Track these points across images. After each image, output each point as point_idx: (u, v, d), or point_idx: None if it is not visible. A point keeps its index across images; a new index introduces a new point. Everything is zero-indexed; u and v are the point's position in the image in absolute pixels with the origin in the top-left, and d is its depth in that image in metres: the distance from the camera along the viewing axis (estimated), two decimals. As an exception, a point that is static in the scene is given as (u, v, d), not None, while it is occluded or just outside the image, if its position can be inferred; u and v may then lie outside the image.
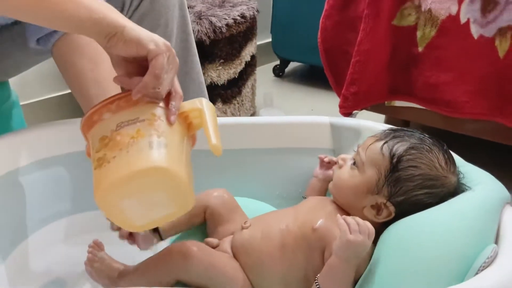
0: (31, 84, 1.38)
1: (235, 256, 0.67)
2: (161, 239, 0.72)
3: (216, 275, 0.62)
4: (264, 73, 2.07)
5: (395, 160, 0.62)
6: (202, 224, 0.77)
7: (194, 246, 0.63)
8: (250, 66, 1.46)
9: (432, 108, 1.11)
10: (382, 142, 0.64)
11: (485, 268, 0.49)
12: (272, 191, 0.88)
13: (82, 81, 0.81)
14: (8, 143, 0.78)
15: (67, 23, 0.56)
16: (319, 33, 1.25)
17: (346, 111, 1.19)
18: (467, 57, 1.03)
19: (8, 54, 0.85)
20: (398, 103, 1.21)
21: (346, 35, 1.20)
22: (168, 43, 0.58)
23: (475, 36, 1.01)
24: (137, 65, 0.58)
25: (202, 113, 0.59)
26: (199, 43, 1.15)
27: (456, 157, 0.71)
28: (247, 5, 1.36)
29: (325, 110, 1.26)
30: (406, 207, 0.61)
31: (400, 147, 0.63)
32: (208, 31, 1.15)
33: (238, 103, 1.37)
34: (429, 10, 1.05)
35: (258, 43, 2.06)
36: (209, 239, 0.71)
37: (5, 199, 0.75)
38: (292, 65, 2.09)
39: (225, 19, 1.22)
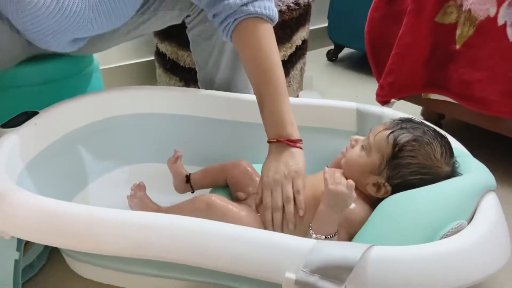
0: (111, 52, 1.57)
1: (256, 208, 0.81)
2: (192, 191, 0.88)
3: (231, 220, 0.74)
4: (317, 56, 2.16)
5: (396, 148, 0.73)
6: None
7: (215, 196, 0.77)
8: (301, 50, 1.56)
9: (464, 103, 1.17)
10: (390, 131, 0.75)
11: (445, 238, 0.59)
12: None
13: None
14: (87, 101, 0.96)
15: None
16: (366, 24, 1.33)
17: (382, 100, 1.28)
18: (501, 58, 1.08)
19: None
20: (433, 96, 1.27)
21: (391, 27, 1.27)
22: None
23: (511, 39, 1.05)
24: None
25: None
26: (253, 27, 1.27)
27: (459, 147, 0.80)
28: (302, -8, 1.46)
29: (370, 97, 1.34)
30: (401, 188, 0.72)
31: (403, 138, 0.73)
32: (262, 16, 1.27)
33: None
34: (469, 10, 1.10)
35: (314, 27, 2.15)
36: (239, 193, 0.85)
37: (78, 147, 0.94)
38: (346, 51, 2.17)
39: (279, 5, 1.33)
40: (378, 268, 0.54)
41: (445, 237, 0.60)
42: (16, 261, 0.66)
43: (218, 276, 0.60)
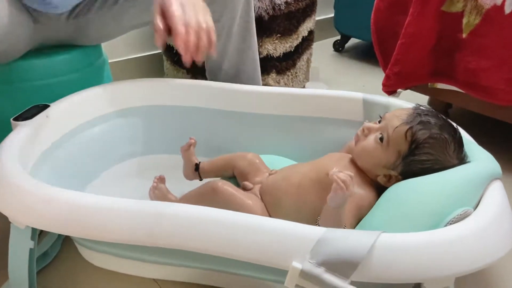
0: (119, 45, 1.59)
1: (262, 196, 0.83)
2: (200, 179, 0.91)
3: (236, 206, 0.76)
4: (323, 47, 2.16)
5: (413, 146, 0.73)
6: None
7: (220, 182, 0.79)
8: (307, 41, 1.57)
9: (470, 92, 1.17)
10: (408, 126, 0.73)
11: (451, 224, 0.60)
12: (308, 153, 1.01)
13: None
14: (97, 93, 0.98)
15: None
16: (372, 14, 1.33)
17: (388, 90, 1.28)
18: (508, 47, 1.07)
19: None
20: (440, 85, 1.27)
21: (397, 17, 1.27)
22: None
23: (517, 27, 1.05)
24: None
25: None
26: (259, 19, 1.28)
27: (465, 135, 0.81)
28: (308, -17, 1.46)
29: (377, 87, 1.34)
30: (409, 177, 0.72)
31: (421, 136, 0.72)
32: (268, 8, 1.28)
33: (292, 75, 1.49)
34: (476, -1, 1.10)
35: (320, 18, 2.15)
36: (246, 183, 0.87)
37: (89, 138, 0.95)
38: (353, 41, 2.16)
39: (285, -4, 1.34)
40: (383, 255, 0.55)
41: (450, 224, 0.61)
42: (31, 250, 0.68)
43: (226, 263, 0.62)
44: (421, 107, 0.78)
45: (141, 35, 1.60)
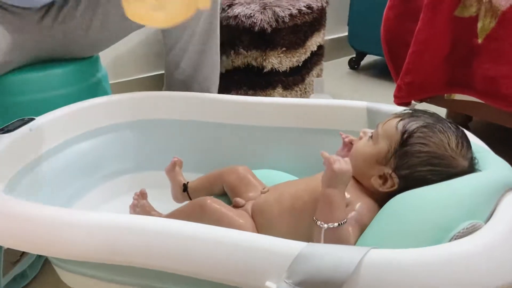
0: (121, 66, 1.58)
1: (253, 216, 0.76)
2: (190, 199, 0.84)
3: (225, 225, 0.69)
4: (338, 65, 2.10)
5: (405, 135, 0.66)
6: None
7: (209, 199, 0.72)
8: (317, 56, 1.51)
9: (490, 102, 1.08)
10: (399, 118, 0.68)
11: (456, 239, 0.52)
12: (308, 166, 0.94)
13: None
14: (86, 107, 0.94)
15: None
16: (382, 23, 1.27)
17: (400, 101, 1.20)
18: (528, 50, 0.99)
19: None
20: (457, 96, 1.18)
21: (408, 26, 1.20)
22: None
23: (538, 28, 0.97)
24: None
25: None
26: (261, 31, 1.24)
27: (477, 143, 0.72)
28: (315, -4, 1.42)
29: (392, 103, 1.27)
30: (410, 182, 0.64)
31: (413, 125, 0.66)
32: (271, 20, 1.24)
33: (300, 90, 1.43)
34: (490, 1, 1.02)
35: (334, 36, 2.10)
36: (238, 199, 0.80)
37: (76, 154, 0.91)
38: (370, 58, 2.10)
39: (289, 9, 1.29)
40: (372, 274, 0.47)
41: (455, 239, 0.52)
42: (-6, 268, 0.63)
43: (194, 283, 0.54)
44: (421, 110, 0.71)
45: (144, 55, 1.58)
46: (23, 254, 0.83)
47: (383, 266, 0.48)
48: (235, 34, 1.24)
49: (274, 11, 1.25)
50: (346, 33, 2.00)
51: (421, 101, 1.26)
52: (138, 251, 0.53)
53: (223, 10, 1.25)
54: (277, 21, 1.25)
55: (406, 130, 0.66)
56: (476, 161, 0.67)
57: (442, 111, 1.35)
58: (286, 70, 1.36)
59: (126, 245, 0.53)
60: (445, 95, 1.20)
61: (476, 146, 0.70)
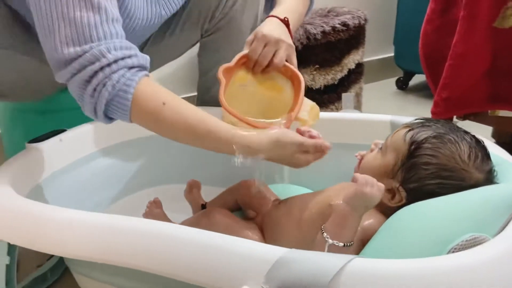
0: (167, 85, 1.63)
1: (263, 228, 0.74)
2: None
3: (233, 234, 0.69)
4: (386, 86, 2.04)
5: (413, 146, 0.62)
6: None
7: (216, 210, 0.72)
8: (355, 74, 1.48)
9: (536, 118, 1.00)
10: (408, 129, 0.65)
11: (455, 252, 0.47)
12: (328, 182, 0.91)
13: None
14: (115, 122, 0.98)
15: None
16: (420, 38, 1.22)
17: (438, 118, 1.13)
18: None
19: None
20: (502, 113, 1.10)
21: (446, 39, 1.15)
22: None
23: None
24: None
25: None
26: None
27: (500, 154, 0.67)
28: (352, 14, 1.40)
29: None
30: (419, 196, 0.60)
31: (422, 135, 0.63)
32: (302, 37, 1.24)
33: (336, 109, 1.41)
34: (531, 9, 0.96)
35: (380, 56, 2.06)
36: (249, 211, 0.79)
37: (103, 166, 0.95)
38: (419, 78, 2.02)
39: (322, 27, 1.29)
40: (353, 283, 0.44)
41: (454, 252, 0.48)
42: (7, 266, 0.67)
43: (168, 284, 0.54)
44: (435, 119, 0.66)
45: (176, 77, 1.63)
46: (50, 258, 0.87)
47: (365, 276, 0.45)
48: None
49: (306, 29, 1.25)
50: (393, 53, 1.95)
51: (464, 118, 1.18)
52: (117, 250, 0.54)
53: (256, 29, 1.27)
54: (308, 38, 1.25)
55: (414, 141, 0.62)
56: (496, 173, 0.62)
57: (487, 130, 1.26)
58: (320, 87, 1.34)
59: (106, 244, 0.54)
60: (489, 111, 1.13)
61: (497, 158, 0.64)
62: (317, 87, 1.33)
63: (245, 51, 0.82)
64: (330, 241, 0.57)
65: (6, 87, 0.86)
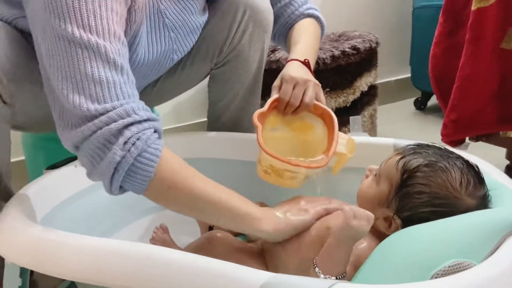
0: (167, 113, 1.67)
1: (264, 251, 0.76)
2: None
3: (231, 257, 0.70)
4: (404, 106, 2.03)
5: (405, 175, 0.63)
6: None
7: (219, 233, 0.74)
8: (368, 96, 1.49)
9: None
10: (400, 156, 0.66)
11: (437, 277, 0.48)
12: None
13: None
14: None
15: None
16: (429, 60, 1.23)
17: (448, 140, 1.13)
18: None
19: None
20: (514, 133, 1.09)
21: (454, 61, 1.15)
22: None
23: None
24: None
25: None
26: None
27: (497, 178, 0.67)
28: (363, 38, 1.42)
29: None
30: (413, 223, 0.60)
31: (414, 163, 0.63)
32: (311, 62, 1.26)
33: (349, 131, 1.41)
34: (536, 30, 0.96)
35: (398, 77, 2.06)
36: (249, 235, 0.81)
37: (102, 199, 0.97)
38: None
39: (331, 51, 1.31)
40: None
41: (436, 277, 0.48)
42: (19, 287, 0.70)
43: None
44: (427, 143, 0.67)
45: (188, 103, 1.67)
46: (64, 280, 0.90)
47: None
48: (276, 77, 1.28)
49: (315, 54, 1.27)
50: (409, 74, 1.95)
51: (476, 139, 1.18)
52: (123, 274, 0.57)
53: (266, 55, 1.31)
54: (317, 63, 1.27)
55: (406, 169, 0.63)
56: (490, 198, 0.62)
57: (501, 151, 1.24)
58: (332, 110, 1.35)
59: (113, 268, 0.57)
60: (501, 132, 1.12)
61: (493, 181, 0.64)
62: (328, 110, 1.34)
63: (275, 95, 0.85)
64: (322, 276, 0.59)
65: (26, 120, 0.91)
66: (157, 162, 0.65)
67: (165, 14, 0.87)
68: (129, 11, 0.75)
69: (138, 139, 0.64)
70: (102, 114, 0.63)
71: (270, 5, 0.99)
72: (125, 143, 0.63)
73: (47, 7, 0.64)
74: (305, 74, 0.86)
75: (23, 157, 1.26)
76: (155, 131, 0.68)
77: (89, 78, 0.64)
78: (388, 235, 0.63)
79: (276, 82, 0.87)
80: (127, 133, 0.63)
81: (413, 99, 2.01)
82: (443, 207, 0.60)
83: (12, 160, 1.34)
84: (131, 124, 0.64)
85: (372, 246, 0.64)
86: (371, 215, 0.59)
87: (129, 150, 0.63)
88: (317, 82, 0.87)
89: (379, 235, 0.65)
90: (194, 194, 0.67)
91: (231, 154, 1.02)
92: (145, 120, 0.66)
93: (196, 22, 0.93)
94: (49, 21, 0.64)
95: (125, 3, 0.72)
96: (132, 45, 0.81)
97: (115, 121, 0.63)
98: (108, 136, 0.63)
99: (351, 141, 0.84)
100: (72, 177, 0.91)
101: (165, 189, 0.66)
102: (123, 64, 0.67)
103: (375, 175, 0.69)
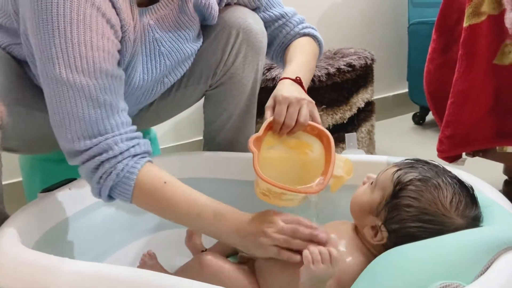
0: (167, 132, 1.67)
1: (256, 270, 0.75)
2: None
3: (223, 280, 0.70)
4: (403, 121, 2.04)
5: (398, 187, 0.64)
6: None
7: (210, 255, 0.74)
8: (365, 112, 1.49)
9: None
10: (397, 168, 0.66)
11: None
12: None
13: None
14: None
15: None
16: (424, 77, 1.24)
17: (443, 156, 1.13)
18: None
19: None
20: (511, 149, 1.08)
21: (448, 77, 1.15)
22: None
23: None
24: None
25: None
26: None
27: (491, 196, 0.66)
28: (359, 55, 1.43)
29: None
30: (400, 238, 0.61)
31: (408, 177, 0.64)
32: (306, 80, 1.27)
33: (345, 148, 1.41)
34: (528, 46, 0.96)
35: (396, 92, 2.06)
36: (241, 254, 0.81)
37: (106, 215, 0.98)
38: (436, 112, 2.00)
39: (326, 69, 1.32)
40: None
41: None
42: (11, 313, 0.70)
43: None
44: (426, 160, 0.67)
45: (187, 121, 1.68)
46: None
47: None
48: (272, 95, 1.29)
49: (310, 72, 1.28)
50: (407, 89, 1.95)
51: (473, 155, 1.17)
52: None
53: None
54: (313, 80, 1.28)
55: (400, 181, 0.64)
56: (481, 218, 0.61)
57: (498, 167, 1.23)
58: (329, 127, 1.36)
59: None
60: (497, 148, 1.11)
61: (486, 200, 0.64)
62: (325, 127, 1.34)
63: (270, 118, 0.83)
64: None
65: (19, 143, 0.92)
66: (132, 185, 0.74)
67: (161, 43, 0.89)
68: (120, 42, 0.78)
69: (109, 174, 0.74)
70: (85, 151, 0.74)
71: (263, 27, 1.00)
72: (100, 178, 0.74)
73: (37, 48, 0.72)
74: (297, 92, 0.85)
75: (20, 178, 1.27)
76: (134, 156, 0.75)
77: (75, 115, 0.72)
78: (375, 246, 0.64)
79: (269, 103, 0.86)
80: (100, 170, 0.74)
81: (411, 114, 2.01)
82: (432, 224, 0.60)
83: (10, 181, 1.36)
84: (107, 160, 0.73)
85: (359, 260, 0.64)
86: (337, 257, 0.59)
87: (103, 185, 0.75)
88: (310, 99, 0.86)
89: (367, 246, 0.66)
90: (165, 200, 0.74)
91: (227, 174, 1.02)
92: (121, 153, 0.74)
93: (191, 49, 0.95)
94: (40, 60, 0.72)
95: (115, 36, 0.76)
96: (126, 71, 0.84)
97: (93, 158, 0.74)
98: (87, 173, 0.76)
99: (348, 162, 0.82)
100: (66, 200, 0.92)
101: (146, 197, 0.75)
102: (107, 99, 0.73)
103: (371, 183, 0.69)
